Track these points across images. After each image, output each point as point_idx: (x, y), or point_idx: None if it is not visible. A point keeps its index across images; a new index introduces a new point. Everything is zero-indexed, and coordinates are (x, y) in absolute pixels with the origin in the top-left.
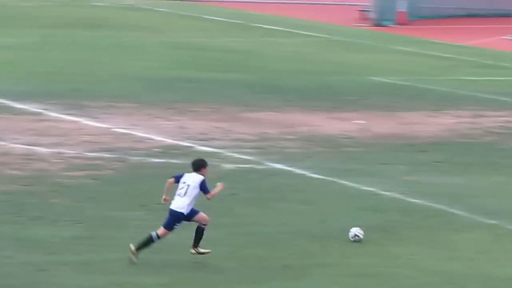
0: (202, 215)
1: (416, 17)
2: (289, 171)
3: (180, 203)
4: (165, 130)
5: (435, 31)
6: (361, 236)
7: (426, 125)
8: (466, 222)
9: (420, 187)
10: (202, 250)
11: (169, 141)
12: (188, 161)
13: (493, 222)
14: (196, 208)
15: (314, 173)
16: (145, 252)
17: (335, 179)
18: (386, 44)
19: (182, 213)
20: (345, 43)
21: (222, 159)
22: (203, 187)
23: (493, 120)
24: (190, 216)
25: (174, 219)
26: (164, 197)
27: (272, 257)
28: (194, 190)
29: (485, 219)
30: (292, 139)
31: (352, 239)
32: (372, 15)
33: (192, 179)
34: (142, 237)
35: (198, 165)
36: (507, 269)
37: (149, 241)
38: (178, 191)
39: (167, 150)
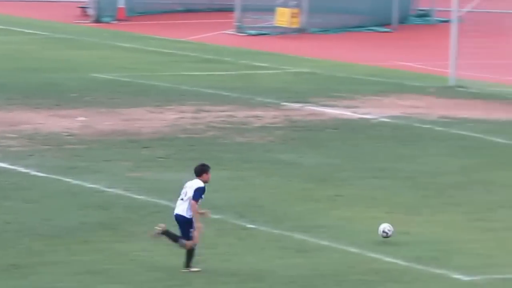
0: (195, 234)
1: (135, 13)
2: (12, 169)
3: (181, 208)
4: None
5: (155, 27)
6: (389, 232)
7: (149, 121)
8: None
9: (144, 183)
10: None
11: None
12: None
13: (218, 217)
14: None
15: (38, 171)
16: None
17: (59, 177)
18: (107, 41)
19: (184, 216)
20: (67, 40)
21: None
22: (195, 192)
23: (215, 115)
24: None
25: (183, 224)
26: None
27: None
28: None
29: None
30: (14, 137)
31: (383, 234)
32: (92, 11)
33: (191, 185)
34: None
35: (200, 171)
36: (231, 264)
37: (191, 254)
38: (181, 196)
39: None
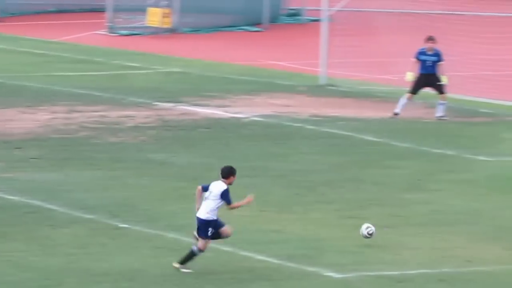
0: (226, 228)
1: (7, 14)
2: None
3: (203, 210)
4: None
5: (28, 28)
6: (368, 230)
7: (21, 121)
8: (63, 218)
9: (17, 183)
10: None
11: None
12: None
13: (90, 216)
14: (221, 221)
15: None
16: None
17: None
18: None
19: (205, 219)
20: None
21: None
22: (224, 197)
23: (87, 115)
24: (217, 224)
25: (203, 226)
26: (197, 206)
27: None
28: (217, 198)
29: (82, 214)
30: None
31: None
32: None
33: (216, 187)
34: (183, 253)
35: (227, 172)
36: (104, 263)
37: (191, 255)
38: (204, 198)
39: None
